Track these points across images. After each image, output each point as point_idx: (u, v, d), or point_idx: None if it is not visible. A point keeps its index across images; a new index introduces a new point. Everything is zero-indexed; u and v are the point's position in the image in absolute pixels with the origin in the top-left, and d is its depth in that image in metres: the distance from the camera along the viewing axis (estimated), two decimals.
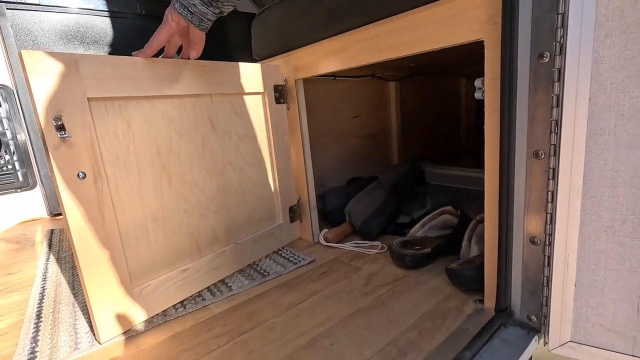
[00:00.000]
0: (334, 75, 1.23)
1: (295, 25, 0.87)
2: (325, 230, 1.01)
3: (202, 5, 0.62)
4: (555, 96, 0.47)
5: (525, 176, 0.52)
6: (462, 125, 1.82)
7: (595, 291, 0.47)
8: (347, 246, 0.96)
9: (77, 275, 0.79)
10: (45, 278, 0.93)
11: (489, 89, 0.55)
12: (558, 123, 0.46)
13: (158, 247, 0.70)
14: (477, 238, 0.80)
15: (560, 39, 0.44)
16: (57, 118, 0.54)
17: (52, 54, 0.54)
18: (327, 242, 0.98)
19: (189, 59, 0.71)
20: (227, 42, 2.03)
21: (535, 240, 0.53)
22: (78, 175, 0.57)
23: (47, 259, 1.07)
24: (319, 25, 0.81)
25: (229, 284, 0.81)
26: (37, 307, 0.77)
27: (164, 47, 0.68)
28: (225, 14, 0.64)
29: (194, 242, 0.77)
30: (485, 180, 0.58)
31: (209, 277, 0.79)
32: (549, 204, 0.50)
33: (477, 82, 0.57)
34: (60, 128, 0.54)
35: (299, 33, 0.87)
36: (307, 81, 0.95)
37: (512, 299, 0.58)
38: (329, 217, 1.11)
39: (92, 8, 1.70)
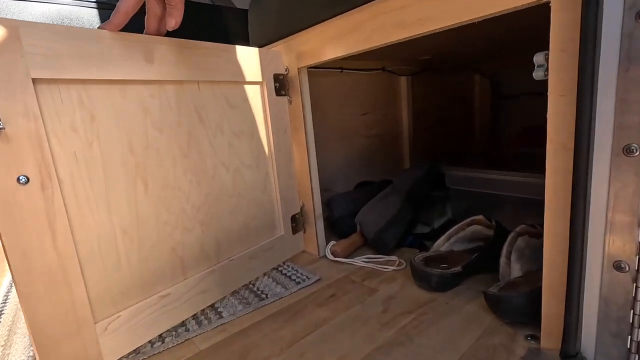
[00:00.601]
0: (340, 67, 1.10)
1: (298, 3, 0.75)
2: (332, 242, 0.88)
3: None
4: None
5: (609, 179, 0.39)
6: (476, 125, 1.69)
7: None
8: (359, 262, 0.82)
9: None
10: (6, 300, 0.80)
11: (555, 65, 0.42)
12: None
13: (131, 268, 0.57)
14: (518, 254, 0.67)
15: None
16: None
17: None
18: (335, 256, 0.85)
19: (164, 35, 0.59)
20: (226, 41, 1.90)
21: (622, 265, 0.40)
22: (18, 179, 0.44)
23: None
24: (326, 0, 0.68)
25: (219, 310, 0.67)
26: None
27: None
28: None
29: (178, 260, 0.63)
30: (546, 184, 0.45)
31: (196, 303, 0.66)
32: None
33: (538, 58, 0.44)
34: None
35: (302, 12, 0.74)
36: (310, 74, 0.82)
37: (582, 341, 0.44)
38: (336, 226, 0.98)
39: None
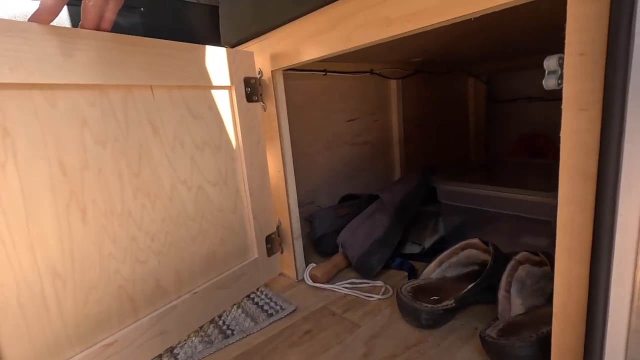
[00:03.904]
0: (324, 69, 1.02)
1: None
2: (312, 265, 0.79)
3: None
4: None
5: None
6: (471, 133, 1.61)
7: None
8: (340, 288, 0.74)
9: None
10: None
11: (572, 71, 0.33)
12: None
13: (63, 317, 0.47)
14: (519, 286, 0.58)
15: None
16: None
17: None
18: (314, 281, 0.76)
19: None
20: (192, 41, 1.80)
21: None
22: None
23: None
24: None
25: (175, 351, 0.58)
26: None
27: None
28: None
29: (127, 299, 0.54)
30: (558, 217, 0.37)
31: (151, 348, 0.56)
32: None
33: (549, 62, 0.35)
34: None
35: (273, 5, 0.65)
36: (290, 77, 0.74)
37: None
38: (319, 244, 0.89)
39: None
